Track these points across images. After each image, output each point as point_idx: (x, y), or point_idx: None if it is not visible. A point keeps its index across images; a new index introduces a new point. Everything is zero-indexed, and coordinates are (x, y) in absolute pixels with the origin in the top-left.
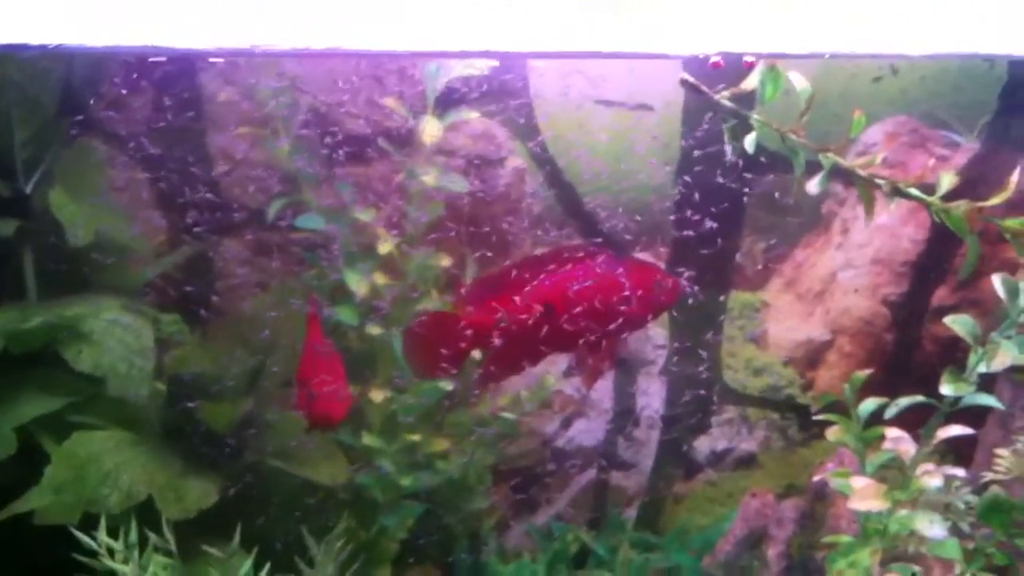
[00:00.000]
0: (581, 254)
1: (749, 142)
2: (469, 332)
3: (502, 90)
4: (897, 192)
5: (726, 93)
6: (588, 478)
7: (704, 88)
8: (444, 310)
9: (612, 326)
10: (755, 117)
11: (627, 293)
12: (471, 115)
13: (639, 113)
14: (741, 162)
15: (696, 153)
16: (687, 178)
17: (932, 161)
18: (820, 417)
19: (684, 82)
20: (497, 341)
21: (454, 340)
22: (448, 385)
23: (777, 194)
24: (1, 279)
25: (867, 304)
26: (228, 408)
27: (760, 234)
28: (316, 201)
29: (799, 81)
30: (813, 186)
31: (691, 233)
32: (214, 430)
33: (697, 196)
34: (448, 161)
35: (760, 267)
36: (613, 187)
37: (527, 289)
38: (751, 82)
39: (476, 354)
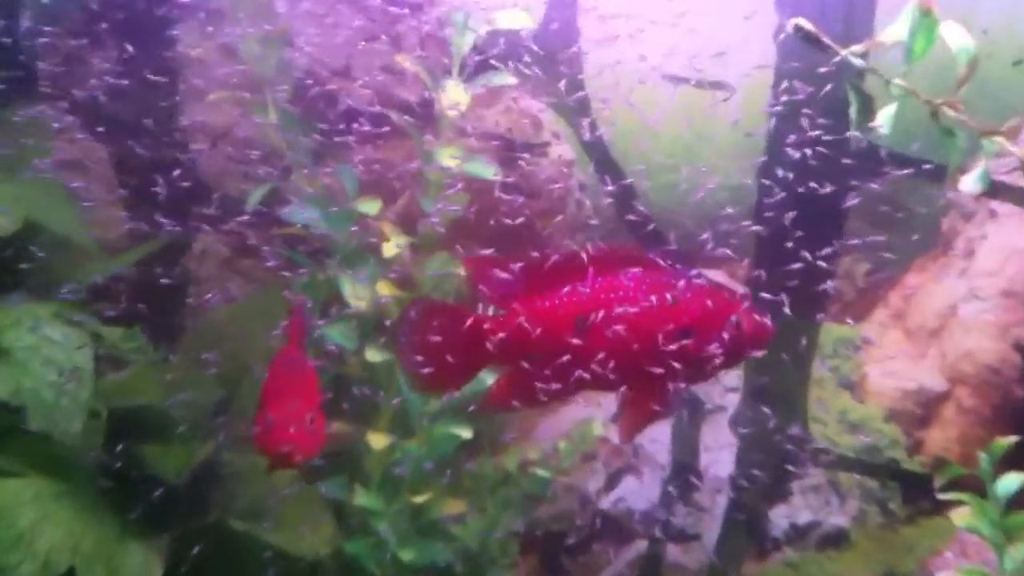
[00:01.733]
0: (639, 262)
1: (885, 118)
2: (480, 337)
3: (547, 57)
4: None
5: (858, 48)
6: (637, 551)
7: (826, 39)
8: (450, 303)
9: (667, 365)
10: (897, 83)
11: (695, 325)
12: (507, 79)
13: (716, 93)
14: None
15: (787, 144)
16: (774, 177)
17: None
18: (946, 496)
19: (799, 30)
20: (511, 353)
21: (461, 344)
22: (467, 432)
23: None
24: None
25: (995, 347)
26: (183, 451)
27: (863, 252)
28: (311, 189)
29: (957, 37)
30: (971, 183)
31: (776, 247)
32: (164, 479)
33: (786, 200)
34: (474, 146)
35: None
36: (681, 186)
37: (561, 294)
38: (896, 32)
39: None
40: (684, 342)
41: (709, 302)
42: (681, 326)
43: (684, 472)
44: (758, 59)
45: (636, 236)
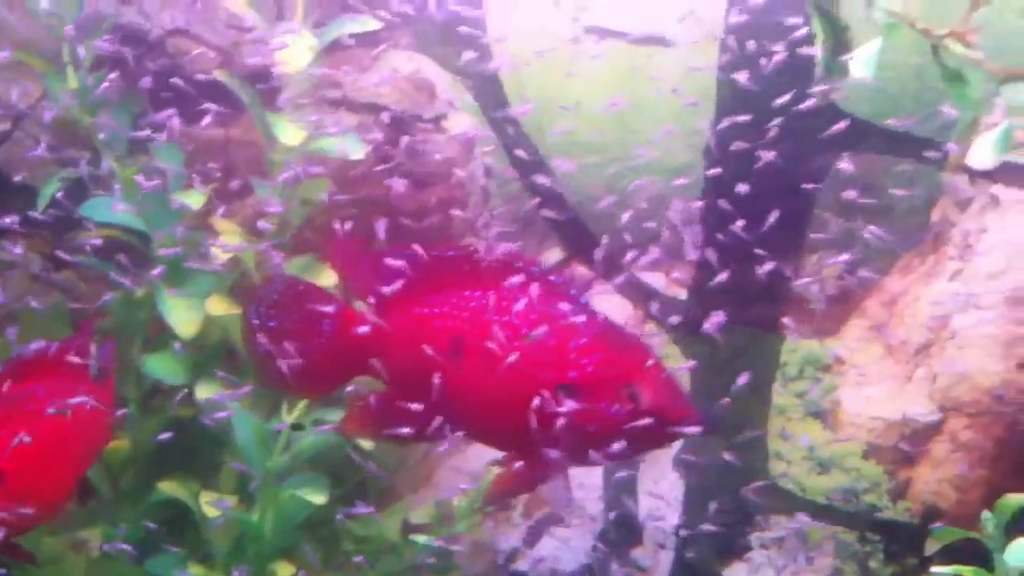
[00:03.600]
0: (523, 279)
1: (866, 57)
2: (351, 334)
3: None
4: None
5: None
6: None
7: None
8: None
9: (535, 428)
10: (883, 7)
11: (578, 384)
12: (366, 25)
13: (652, 49)
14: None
15: (739, 113)
16: (724, 155)
17: None
18: (943, 571)
19: None
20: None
21: (328, 335)
22: (319, 496)
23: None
24: None
25: (998, 367)
26: None
27: (833, 249)
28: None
29: None
30: (986, 151)
31: (727, 243)
32: None
33: (739, 184)
34: (353, 120)
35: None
36: (610, 167)
37: (440, 307)
38: None
39: None
40: (559, 404)
41: (601, 355)
42: (557, 382)
43: (620, 524)
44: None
45: (556, 231)
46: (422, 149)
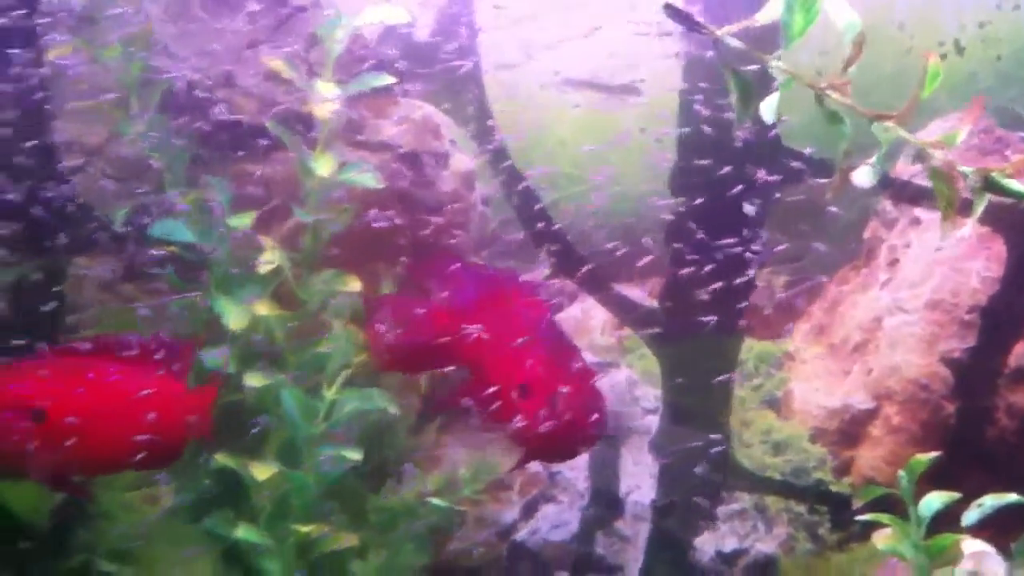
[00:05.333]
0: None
1: (768, 108)
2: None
3: (442, 60)
4: (993, 187)
5: (732, 27)
6: None
7: (698, 18)
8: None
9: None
10: (777, 65)
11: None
12: (384, 80)
13: (623, 97)
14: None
15: (697, 150)
16: (686, 184)
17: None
18: (864, 517)
19: (669, 8)
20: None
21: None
22: (356, 454)
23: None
24: None
25: (922, 362)
26: (43, 488)
27: (782, 263)
28: (184, 204)
29: (842, 12)
30: (863, 176)
31: (691, 258)
32: (22, 520)
33: (699, 209)
34: (373, 157)
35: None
36: (588, 196)
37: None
38: (772, 10)
39: None
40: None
41: (540, 365)
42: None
43: (604, 499)
44: (669, 68)
45: (546, 252)
46: (431, 181)
